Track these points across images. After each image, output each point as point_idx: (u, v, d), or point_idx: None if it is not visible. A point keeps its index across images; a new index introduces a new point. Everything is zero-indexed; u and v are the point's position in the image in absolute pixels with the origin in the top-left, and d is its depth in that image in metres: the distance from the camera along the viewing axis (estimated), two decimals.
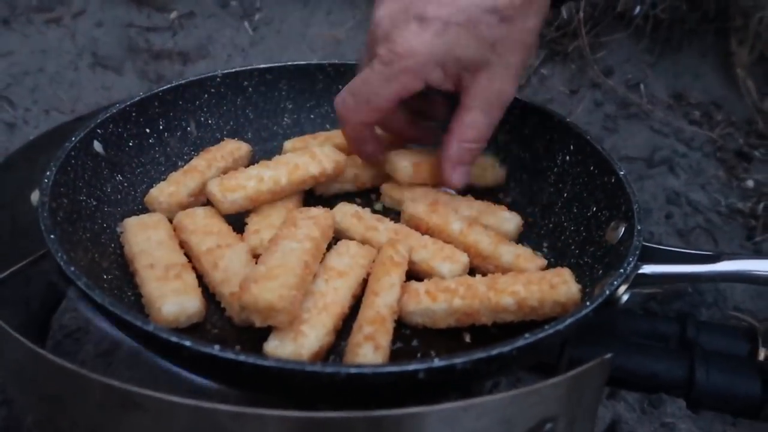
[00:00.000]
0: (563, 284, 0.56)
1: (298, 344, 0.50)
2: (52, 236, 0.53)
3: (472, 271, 0.65)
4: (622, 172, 0.69)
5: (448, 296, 0.58)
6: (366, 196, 0.78)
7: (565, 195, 0.76)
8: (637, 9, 1.19)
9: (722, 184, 1.04)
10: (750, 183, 1.05)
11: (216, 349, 0.42)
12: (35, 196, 0.59)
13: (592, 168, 0.73)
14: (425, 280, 0.61)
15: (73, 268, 0.49)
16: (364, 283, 0.60)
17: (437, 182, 0.73)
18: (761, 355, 0.71)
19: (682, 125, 1.14)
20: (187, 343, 0.43)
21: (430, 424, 0.42)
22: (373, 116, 0.65)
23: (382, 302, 0.57)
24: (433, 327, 0.58)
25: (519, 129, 0.83)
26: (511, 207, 0.75)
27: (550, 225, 0.75)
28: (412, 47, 0.59)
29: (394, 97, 0.62)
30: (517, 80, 0.64)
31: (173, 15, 1.29)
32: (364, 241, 0.65)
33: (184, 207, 0.70)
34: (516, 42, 0.60)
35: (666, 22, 1.20)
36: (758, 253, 0.92)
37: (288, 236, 0.57)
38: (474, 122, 0.64)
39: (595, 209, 0.71)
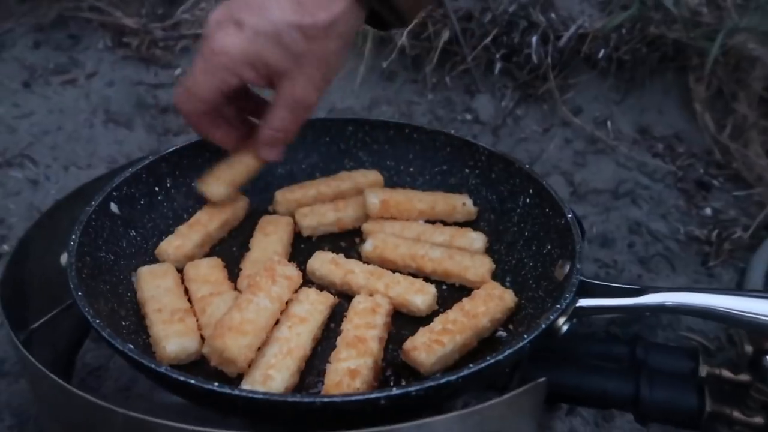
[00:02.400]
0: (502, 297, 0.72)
1: (267, 387, 0.60)
2: (79, 293, 0.63)
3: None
4: (569, 215, 0.78)
5: (450, 336, 0.67)
6: (350, 236, 0.88)
7: (526, 234, 0.85)
8: (602, 52, 1.30)
9: (682, 213, 1.14)
10: (708, 211, 1.14)
11: (215, 386, 0.52)
12: (64, 258, 0.69)
13: (547, 210, 0.83)
14: (419, 333, 0.68)
15: (98, 321, 0.60)
16: (323, 326, 0.70)
17: (407, 217, 0.84)
18: (703, 372, 0.80)
19: (646, 159, 1.24)
20: (192, 381, 0.53)
21: None
22: (200, 106, 0.72)
23: (369, 335, 0.67)
24: (444, 367, 0.66)
25: (487, 174, 0.93)
26: None
27: (513, 261, 0.84)
28: (225, 46, 0.67)
29: (215, 89, 0.70)
30: (320, 88, 0.72)
31: (177, 72, 1.41)
32: (343, 284, 0.75)
33: (191, 257, 0.80)
34: (317, 58, 0.69)
35: (629, 63, 1.31)
36: (710, 278, 1.01)
37: (265, 290, 0.68)
38: (279, 115, 0.73)
39: (549, 247, 0.80)
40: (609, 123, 1.29)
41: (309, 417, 0.54)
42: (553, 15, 1.31)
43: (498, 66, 1.33)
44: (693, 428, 0.75)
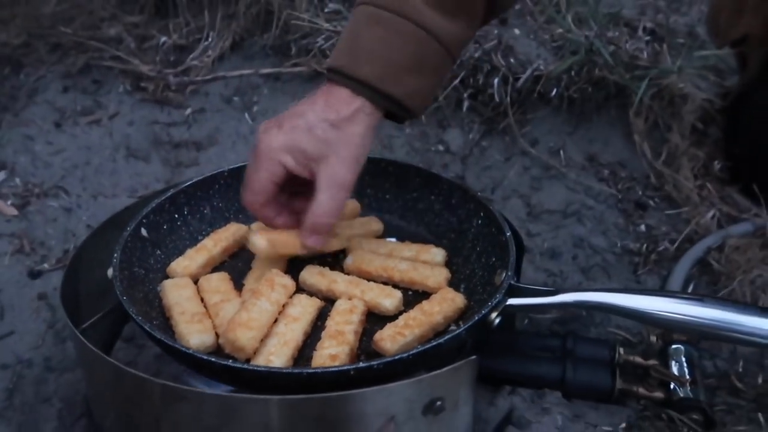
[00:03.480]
0: (454, 299, 0.90)
1: None
2: (124, 298, 0.83)
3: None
4: (508, 233, 0.98)
5: (410, 330, 0.86)
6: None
7: (478, 249, 1.04)
8: (554, 91, 1.51)
9: (620, 230, 1.33)
10: (643, 227, 1.34)
11: (230, 362, 0.72)
12: (110, 272, 0.89)
13: (493, 229, 1.02)
14: (386, 327, 0.86)
15: (140, 318, 0.79)
16: (312, 324, 0.89)
17: (292, 253, 0.96)
18: (620, 359, 0.99)
19: (593, 183, 1.43)
20: (212, 359, 0.72)
21: (357, 400, 0.71)
22: (259, 199, 0.87)
23: (347, 329, 0.86)
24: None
25: (448, 200, 1.12)
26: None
27: (467, 271, 1.03)
28: (269, 143, 0.84)
29: (265, 180, 0.84)
30: (353, 168, 0.85)
31: (188, 111, 1.61)
32: (328, 291, 0.94)
33: (194, 276, 0.98)
34: (345, 142, 0.83)
35: (578, 100, 1.51)
36: (638, 284, 1.21)
37: (265, 295, 0.87)
38: (321, 200, 0.84)
39: (493, 259, 0.99)
40: (562, 152, 1.49)
41: (299, 385, 0.74)
42: (512, 59, 1.52)
43: (466, 104, 1.54)
44: (607, 402, 0.94)
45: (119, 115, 1.58)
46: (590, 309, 0.89)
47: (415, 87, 0.85)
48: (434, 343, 0.76)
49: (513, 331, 1.08)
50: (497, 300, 0.84)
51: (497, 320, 0.84)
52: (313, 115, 0.83)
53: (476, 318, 0.81)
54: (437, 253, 1.04)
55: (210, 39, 1.68)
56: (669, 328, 0.95)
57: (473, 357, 0.76)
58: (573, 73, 1.50)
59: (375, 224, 1.11)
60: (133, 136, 1.54)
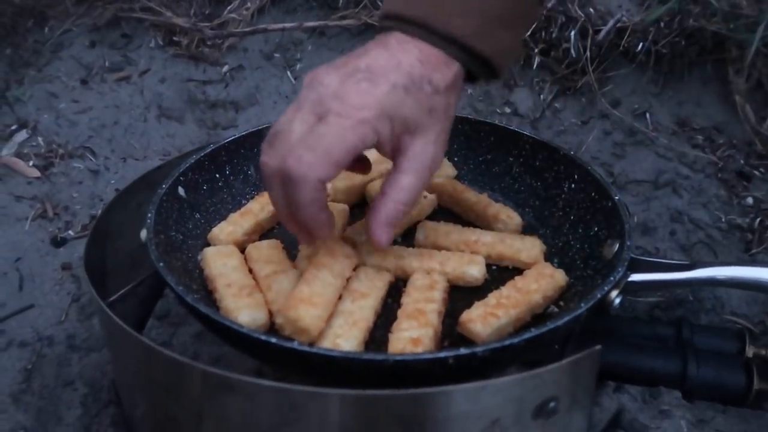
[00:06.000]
0: (553, 276, 0.75)
1: None
2: (161, 264, 0.68)
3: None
4: (617, 197, 0.81)
5: (504, 310, 0.70)
6: None
7: (572, 218, 0.88)
8: (640, 45, 1.32)
9: (723, 203, 1.15)
10: (749, 200, 1.15)
11: (295, 344, 0.56)
12: (143, 234, 0.74)
13: (593, 194, 0.85)
14: (475, 306, 0.71)
15: (181, 288, 0.64)
16: (383, 301, 0.73)
17: None
18: (749, 353, 0.81)
19: (686, 150, 1.25)
20: (273, 340, 0.57)
21: (456, 399, 0.55)
22: (332, 170, 0.62)
23: (429, 308, 0.70)
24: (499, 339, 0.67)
25: (531, 162, 0.96)
26: (526, 229, 0.89)
27: (560, 244, 0.87)
28: (365, 101, 0.61)
29: (351, 148, 0.61)
30: (444, 150, 0.69)
31: (225, 69, 1.46)
32: (397, 269, 0.78)
33: (240, 243, 0.83)
34: (444, 112, 0.66)
35: (667, 56, 1.32)
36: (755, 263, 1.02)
37: (327, 266, 0.71)
38: (408, 185, 0.66)
39: (596, 229, 0.83)
40: (648, 115, 1.31)
41: (378, 375, 0.58)
42: (591, 10, 1.33)
43: (536, 60, 1.36)
44: (739, 405, 0.77)
45: (150, 71, 1.44)
46: (740, 287, 0.71)
47: (507, 42, 0.70)
48: (552, 326, 0.59)
49: (610, 315, 0.91)
50: (619, 274, 0.67)
51: (617, 300, 0.68)
52: (412, 70, 0.63)
53: (597, 295, 0.64)
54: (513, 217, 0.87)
55: None
56: None
57: (597, 347, 0.59)
58: (662, 24, 1.30)
59: (449, 169, 0.96)
60: (166, 94, 1.40)
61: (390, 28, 0.67)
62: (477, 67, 0.69)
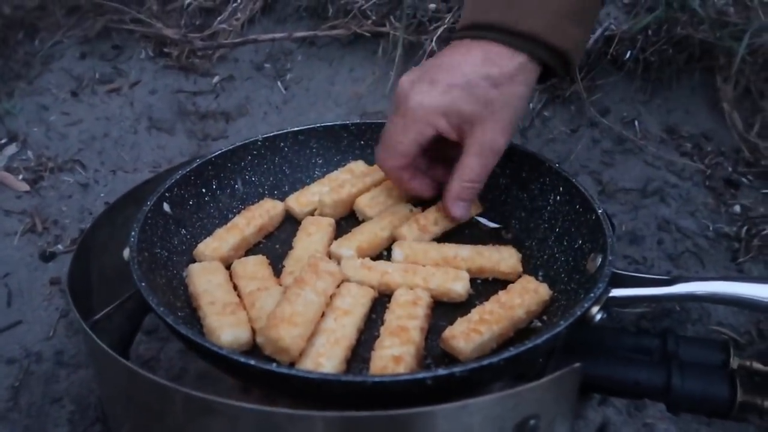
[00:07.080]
0: (537, 290, 0.75)
1: None
2: (142, 284, 0.68)
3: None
4: (600, 210, 0.81)
5: (487, 326, 0.70)
6: None
7: (557, 230, 0.88)
8: (628, 54, 1.32)
9: (710, 211, 1.15)
10: (737, 208, 1.15)
11: (273, 366, 0.56)
12: (126, 253, 0.74)
13: (577, 207, 0.86)
14: (458, 322, 0.71)
15: (162, 309, 0.64)
16: (366, 318, 0.73)
17: None
18: (734, 364, 0.81)
19: (674, 158, 1.25)
20: (252, 362, 0.57)
21: (436, 419, 0.55)
22: (401, 161, 0.80)
23: (411, 325, 0.70)
24: (482, 355, 0.68)
25: (517, 173, 0.96)
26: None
27: (545, 256, 0.87)
28: (422, 102, 0.75)
29: (412, 142, 0.77)
30: (508, 133, 0.78)
31: (215, 79, 1.46)
32: (381, 285, 0.78)
33: (225, 259, 0.84)
34: (505, 103, 0.76)
35: (655, 64, 1.33)
36: (740, 273, 1.03)
37: (310, 284, 0.71)
38: (471, 165, 0.78)
39: (580, 242, 0.83)
40: (636, 123, 1.31)
41: (358, 397, 0.58)
42: None
43: None
44: (724, 417, 0.77)
45: (141, 83, 1.44)
46: (721, 303, 0.72)
47: (579, 37, 0.77)
48: (530, 345, 0.59)
49: (594, 326, 0.91)
50: (600, 290, 0.67)
51: (599, 316, 0.68)
52: (471, 68, 0.74)
53: (577, 312, 0.64)
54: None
55: (239, 0, 1.52)
56: None
57: (576, 365, 0.59)
58: (650, 32, 1.30)
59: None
60: (156, 105, 1.40)
61: (461, 37, 0.77)
62: (555, 62, 0.76)
